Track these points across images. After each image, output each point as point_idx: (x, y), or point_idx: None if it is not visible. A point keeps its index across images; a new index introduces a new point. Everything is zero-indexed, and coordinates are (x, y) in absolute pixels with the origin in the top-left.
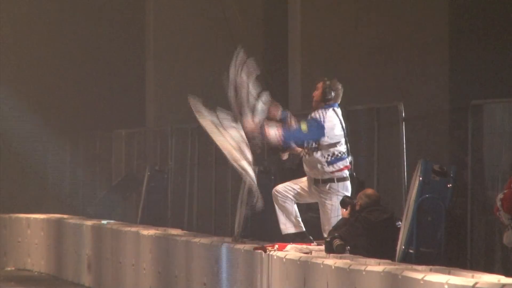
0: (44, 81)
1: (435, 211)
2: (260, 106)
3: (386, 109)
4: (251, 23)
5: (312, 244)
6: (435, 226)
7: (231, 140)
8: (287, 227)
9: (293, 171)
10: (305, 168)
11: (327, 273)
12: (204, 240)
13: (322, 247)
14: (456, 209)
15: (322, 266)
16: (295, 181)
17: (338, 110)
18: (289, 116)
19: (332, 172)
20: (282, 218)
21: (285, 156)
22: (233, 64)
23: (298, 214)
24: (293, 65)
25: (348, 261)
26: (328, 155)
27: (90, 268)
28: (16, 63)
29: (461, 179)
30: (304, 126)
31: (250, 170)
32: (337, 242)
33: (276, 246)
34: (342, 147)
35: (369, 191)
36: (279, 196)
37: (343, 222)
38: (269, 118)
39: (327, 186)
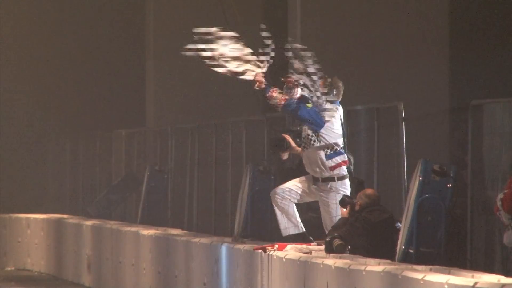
0: (44, 81)
1: (435, 211)
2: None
3: (386, 109)
4: (251, 23)
5: (312, 244)
6: (435, 226)
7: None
8: (287, 228)
9: (293, 171)
10: (305, 165)
11: (327, 273)
12: (204, 240)
13: (322, 247)
14: (456, 209)
15: (322, 266)
16: (292, 181)
17: (340, 108)
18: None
19: (332, 169)
20: (281, 220)
21: (285, 156)
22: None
23: (298, 215)
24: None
25: (348, 261)
26: (327, 149)
27: (90, 268)
28: (16, 63)
29: (461, 179)
30: (309, 104)
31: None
32: (337, 242)
33: (276, 246)
34: (341, 143)
35: (369, 191)
36: (278, 198)
37: (342, 222)
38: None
39: (328, 185)
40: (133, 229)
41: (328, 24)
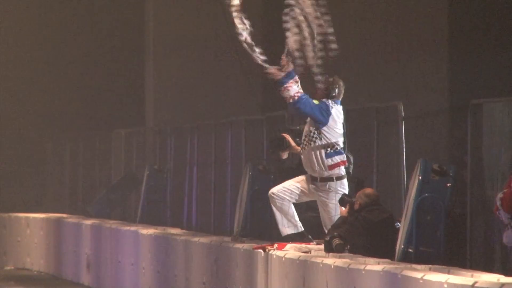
0: (44, 81)
1: (434, 210)
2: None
3: (385, 108)
4: (251, 23)
5: (311, 243)
6: (435, 225)
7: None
8: (286, 228)
9: (293, 171)
10: (304, 164)
11: (327, 273)
12: (203, 240)
13: (322, 246)
14: (456, 209)
15: (321, 266)
16: (290, 181)
17: (341, 107)
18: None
19: (330, 168)
20: (280, 220)
21: (284, 156)
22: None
23: (296, 215)
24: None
25: (347, 260)
26: (328, 148)
27: (89, 268)
28: (16, 63)
29: (461, 179)
30: (316, 101)
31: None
32: (336, 241)
33: (276, 245)
34: (341, 142)
35: (368, 190)
36: (276, 198)
37: (342, 221)
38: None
39: (326, 185)
40: (133, 228)
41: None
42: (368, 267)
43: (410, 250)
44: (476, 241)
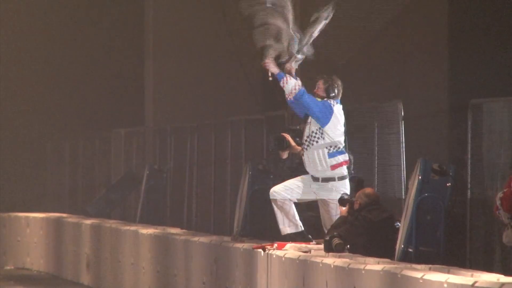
0: (44, 81)
1: (434, 210)
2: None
3: (385, 108)
4: (251, 22)
5: (311, 243)
6: (434, 225)
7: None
8: (286, 227)
9: (293, 171)
10: (306, 163)
11: (326, 272)
12: (203, 239)
13: (321, 246)
14: (456, 208)
15: (321, 265)
16: (292, 180)
17: (340, 106)
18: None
19: (333, 168)
20: (281, 219)
21: (284, 155)
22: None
23: (297, 214)
24: None
25: (347, 260)
26: (331, 147)
27: (89, 267)
28: (16, 63)
29: (461, 178)
30: (318, 98)
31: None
32: (336, 241)
33: (275, 245)
34: (343, 141)
35: (368, 190)
36: (277, 197)
37: (341, 221)
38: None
39: (329, 185)
40: (132, 228)
41: (328, 23)
42: (368, 267)
43: (410, 250)
44: (476, 240)
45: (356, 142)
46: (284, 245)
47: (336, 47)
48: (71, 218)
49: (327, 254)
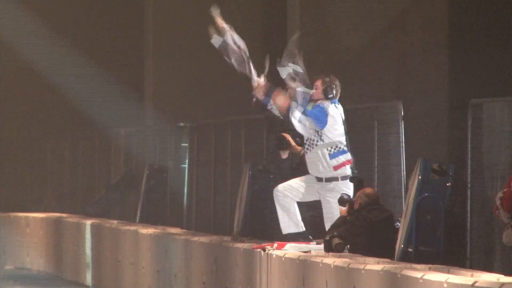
0: (44, 80)
1: (434, 210)
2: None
3: (385, 107)
4: (250, 22)
5: (311, 243)
6: (434, 225)
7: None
8: (287, 227)
9: (293, 171)
10: (308, 166)
11: (326, 272)
12: (203, 239)
13: (321, 246)
14: (456, 208)
15: (321, 265)
16: (295, 179)
17: (339, 106)
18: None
19: (335, 168)
20: (282, 218)
21: (284, 155)
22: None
23: (299, 214)
24: None
25: (347, 260)
26: (331, 148)
27: (89, 267)
28: (16, 62)
29: (461, 178)
30: (309, 107)
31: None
32: (336, 241)
33: (275, 245)
34: (344, 141)
35: (368, 190)
36: (280, 196)
37: (341, 221)
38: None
39: (331, 185)
40: (132, 228)
41: (328, 23)
42: (368, 267)
43: (410, 250)
44: (476, 240)
45: (357, 142)
46: (284, 245)
47: (336, 47)
48: (71, 218)
49: (327, 254)
